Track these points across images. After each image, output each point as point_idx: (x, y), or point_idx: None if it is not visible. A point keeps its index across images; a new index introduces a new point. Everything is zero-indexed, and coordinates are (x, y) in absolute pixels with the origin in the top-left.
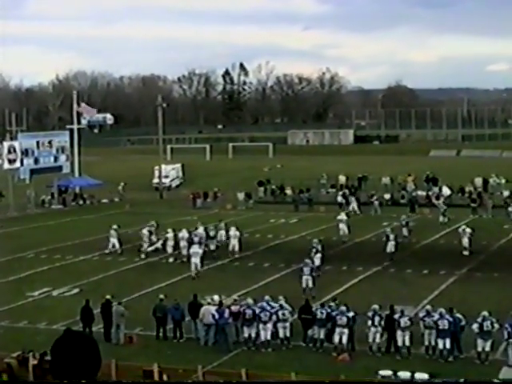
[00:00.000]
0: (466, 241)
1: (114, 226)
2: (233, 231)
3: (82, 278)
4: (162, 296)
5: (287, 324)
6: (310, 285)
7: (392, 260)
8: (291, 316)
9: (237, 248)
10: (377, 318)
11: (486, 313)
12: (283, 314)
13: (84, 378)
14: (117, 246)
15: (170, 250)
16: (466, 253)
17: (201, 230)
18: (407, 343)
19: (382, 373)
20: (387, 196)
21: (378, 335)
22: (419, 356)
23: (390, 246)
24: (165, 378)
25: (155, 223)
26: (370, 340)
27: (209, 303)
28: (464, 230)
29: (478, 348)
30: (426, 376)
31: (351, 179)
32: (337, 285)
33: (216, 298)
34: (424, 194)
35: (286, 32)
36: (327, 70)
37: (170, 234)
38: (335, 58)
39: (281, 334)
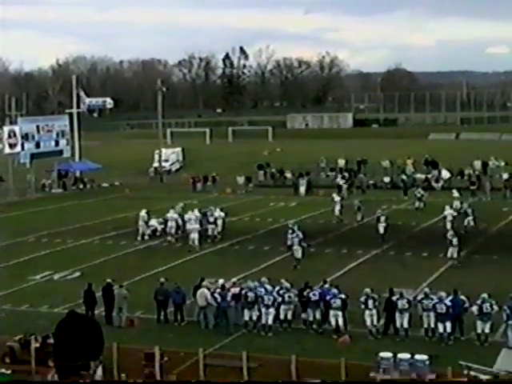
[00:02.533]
0: (448, 223)
1: (142, 213)
2: (217, 212)
3: (83, 261)
4: (162, 279)
5: (291, 306)
6: (299, 256)
7: (383, 241)
8: (296, 299)
9: (219, 229)
10: (370, 301)
11: (485, 295)
12: (289, 297)
13: (87, 360)
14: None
15: (172, 230)
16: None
17: (196, 212)
18: (405, 325)
19: (382, 354)
20: (387, 179)
21: (374, 318)
22: (419, 338)
23: (381, 228)
24: (166, 359)
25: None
26: (368, 324)
27: (206, 287)
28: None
29: (477, 330)
30: (425, 357)
31: (350, 163)
32: (336, 268)
33: (221, 281)
34: (423, 177)
35: (287, 16)
36: (327, 53)
37: (171, 215)
38: (335, 42)
39: (282, 316)
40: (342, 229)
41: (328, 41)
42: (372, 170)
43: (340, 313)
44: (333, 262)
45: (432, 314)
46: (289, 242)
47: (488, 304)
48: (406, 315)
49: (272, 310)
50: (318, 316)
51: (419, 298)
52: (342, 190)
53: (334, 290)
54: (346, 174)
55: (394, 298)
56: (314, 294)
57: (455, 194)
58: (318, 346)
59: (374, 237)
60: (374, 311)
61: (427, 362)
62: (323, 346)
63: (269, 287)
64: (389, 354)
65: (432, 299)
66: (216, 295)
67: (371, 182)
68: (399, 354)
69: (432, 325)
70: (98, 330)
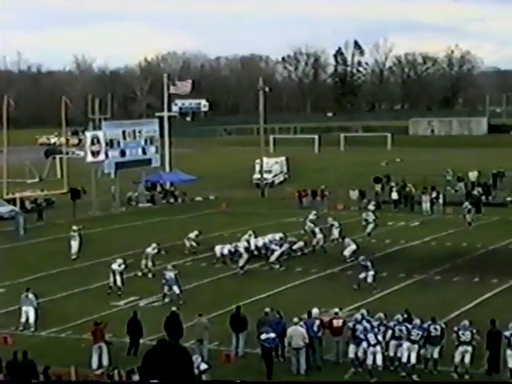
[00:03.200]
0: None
1: (191, 235)
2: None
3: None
4: (267, 309)
5: (415, 346)
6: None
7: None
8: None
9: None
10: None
11: None
12: (417, 334)
13: None
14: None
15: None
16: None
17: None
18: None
19: None
20: None
21: None
22: None
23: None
24: None
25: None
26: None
27: (295, 323)
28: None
29: None
30: None
31: (484, 176)
32: (467, 299)
33: (334, 311)
34: None
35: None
36: (456, 47)
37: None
38: (475, 34)
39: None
40: (474, 253)
41: (468, 33)
42: (510, 184)
43: (470, 348)
44: (462, 292)
45: None
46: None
47: None
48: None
49: (379, 349)
50: (435, 355)
51: None
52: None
53: (465, 322)
54: (480, 190)
55: (507, 334)
56: (436, 329)
57: None
58: None
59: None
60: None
61: None
62: None
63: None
64: None
65: None
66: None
67: (509, 198)
68: None
69: None
70: (189, 361)
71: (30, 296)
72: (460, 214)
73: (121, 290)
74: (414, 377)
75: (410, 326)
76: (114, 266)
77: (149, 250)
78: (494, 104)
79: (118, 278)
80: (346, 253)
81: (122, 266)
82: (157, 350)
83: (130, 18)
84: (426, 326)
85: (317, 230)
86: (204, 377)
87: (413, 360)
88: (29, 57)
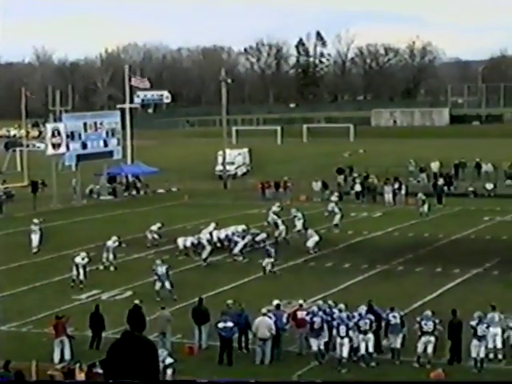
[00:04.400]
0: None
1: (153, 227)
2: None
3: (135, 279)
4: (229, 301)
5: (369, 336)
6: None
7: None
8: (372, 326)
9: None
10: (482, 327)
11: None
12: (365, 324)
13: None
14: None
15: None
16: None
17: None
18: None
19: None
20: (489, 186)
21: (482, 349)
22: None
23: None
24: None
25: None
26: (473, 355)
27: (264, 314)
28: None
29: None
30: None
31: (446, 166)
32: (429, 289)
33: (300, 302)
34: None
35: None
36: (417, 38)
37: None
38: (436, 24)
39: (356, 346)
40: (436, 243)
41: (429, 24)
42: (472, 174)
43: (433, 339)
44: (425, 283)
45: None
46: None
47: None
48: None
49: (346, 341)
50: (398, 345)
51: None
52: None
53: (428, 312)
54: (441, 180)
55: (474, 323)
56: (395, 317)
57: None
58: (406, 381)
59: (475, 252)
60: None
61: None
62: (412, 380)
63: (343, 314)
64: None
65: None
66: (271, 318)
67: (471, 188)
68: None
69: None
70: (155, 354)
71: None
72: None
73: (83, 283)
74: (373, 364)
75: (356, 319)
76: (78, 260)
77: (109, 243)
78: (455, 95)
79: (81, 272)
80: (309, 244)
81: (86, 260)
82: (122, 342)
83: (89, 8)
84: (384, 315)
85: (279, 221)
86: (169, 371)
87: (370, 349)
88: None
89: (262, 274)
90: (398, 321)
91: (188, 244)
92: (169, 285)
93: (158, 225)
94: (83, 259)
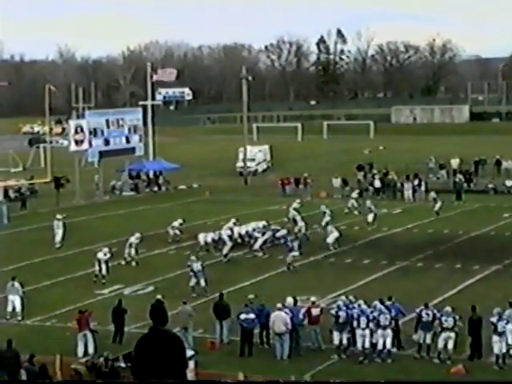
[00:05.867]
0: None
1: (175, 223)
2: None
3: (157, 274)
4: (251, 296)
5: (388, 331)
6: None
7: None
8: (391, 321)
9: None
10: (502, 323)
11: None
12: (385, 319)
13: (170, 379)
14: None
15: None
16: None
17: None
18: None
19: None
20: (509, 183)
21: (503, 344)
22: None
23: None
24: None
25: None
26: (496, 351)
27: (279, 308)
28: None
29: None
30: None
31: (466, 163)
32: (448, 285)
33: (312, 299)
34: None
35: None
36: (438, 35)
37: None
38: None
39: (376, 342)
40: (456, 240)
41: (450, 22)
42: (492, 171)
43: (453, 335)
44: (444, 279)
45: None
46: None
47: None
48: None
49: (367, 332)
50: (428, 340)
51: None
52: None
53: (448, 309)
54: (461, 177)
55: (494, 319)
56: (428, 314)
57: None
58: (427, 377)
59: (494, 249)
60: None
61: None
62: (433, 376)
63: (363, 306)
64: None
65: None
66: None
67: (490, 185)
68: None
69: None
70: (182, 349)
71: (16, 285)
72: (445, 200)
73: (105, 278)
74: (389, 361)
75: (376, 313)
76: (100, 255)
77: (132, 239)
78: (475, 92)
79: (104, 267)
80: (329, 240)
81: (108, 255)
82: (149, 336)
83: (112, 7)
84: (401, 309)
85: (298, 217)
86: (191, 363)
87: (388, 345)
88: (11, 46)
89: (284, 269)
90: (431, 318)
91: (209, 240)
92: (203, 282)
93: (180, 221)
94: (105, 255)
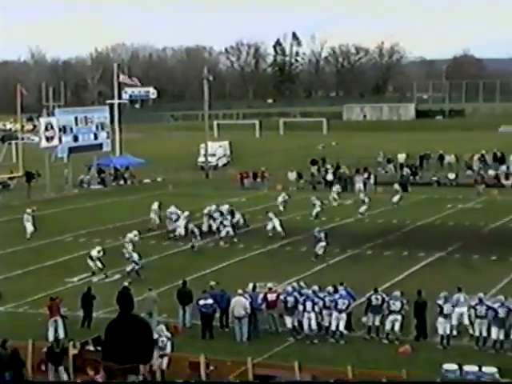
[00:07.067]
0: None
1: (154, 206)
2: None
3: (124, 263)
4: (212, 283)
5: (343, 315)
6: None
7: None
8: (347, 306)
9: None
10: (447, 306)
11: None
12: (343, 304)
13: (138, 363)
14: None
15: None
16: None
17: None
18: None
19: (447, 366)
20: (452, 176)
21: (448, 326)
22: (483, 349)
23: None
24: (212, 369)
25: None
26: (440, 332)
27: (240, 294)
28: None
29: None
30: (494, 370)
31: (412, 158)
32: (396, 272)
33: (269, 285)
34: (493, 173)
35: None
36: (386, 39)
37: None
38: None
39: (326, 323)
40: (404, 229)
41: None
42: (435, 165)
43: (399, 317)
44: (392, 266)
45: (485, 322)
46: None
47: None
48: (449, 321)
49: (312, 315)
50: (377, 322)
51: (473, 303)
52: (407, 188)
53: (397, 293)
54: (408, 170)
55: (440, 302)
56: (377, 298)
57: None
58: (377, 356)
59: (439, 237)
60: (448, 319)
61: (496, 375)
62: (382, 356)
63: (309, 292)
64: (454, 366)
65: (487, 305)
66: (247, 300)
67: (434, 178)
68: (465, 365)
69: (484, 333)
70: (150, 333)
71: None
72: (390, 193)
73: (103, 270)
74: (342, 342)
75: (336, 297)
76: (94, 253)
77: (131, 235)
78: (421, 91)
79: (98, 263)
80: (269, 227)
81: (101, 253)
82: (119, 321)
83: (81, 10)
84: (352, 294)
85: (271, 214)
86: (168, 346)
87: (341, 328)
88: None
89: (243, 257)
90: (380, 302)
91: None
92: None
93: (157, 204)
94: (99, 252)
